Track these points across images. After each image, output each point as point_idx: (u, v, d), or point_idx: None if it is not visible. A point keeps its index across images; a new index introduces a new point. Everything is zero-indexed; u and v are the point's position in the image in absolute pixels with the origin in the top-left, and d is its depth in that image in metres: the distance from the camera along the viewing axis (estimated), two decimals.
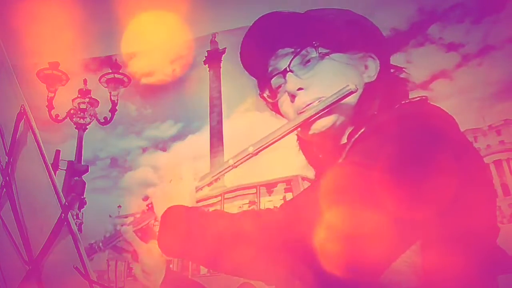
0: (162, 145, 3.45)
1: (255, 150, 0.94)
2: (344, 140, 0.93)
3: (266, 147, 0.95)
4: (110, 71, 3.48)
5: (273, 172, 2.99)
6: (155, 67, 3.40)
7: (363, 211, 0.71)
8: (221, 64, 3.45)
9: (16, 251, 0.92)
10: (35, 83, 3.30)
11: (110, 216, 3.27)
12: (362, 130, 0.88)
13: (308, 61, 0.95)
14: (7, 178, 0.95)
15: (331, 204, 0.72)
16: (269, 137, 0.94)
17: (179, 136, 3.42)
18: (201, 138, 3.36)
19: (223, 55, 3.41)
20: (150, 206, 1.00)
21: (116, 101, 3.48)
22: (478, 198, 0.80)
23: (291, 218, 0.77)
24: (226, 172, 0.98)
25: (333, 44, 0.95)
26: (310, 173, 1.05)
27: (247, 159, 0.95)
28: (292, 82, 0.94)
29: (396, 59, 1.05)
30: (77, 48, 3.09)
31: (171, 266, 1.08)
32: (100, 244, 1.02)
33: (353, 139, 0.89)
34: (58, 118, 3.45)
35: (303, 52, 0.95)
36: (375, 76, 0.97)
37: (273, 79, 0.98)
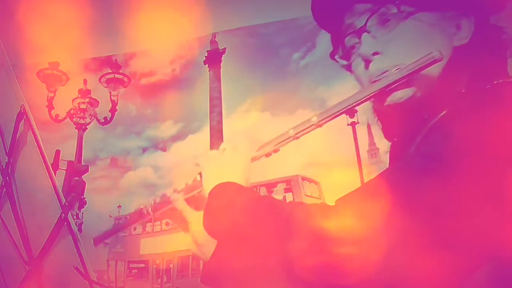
0: (162, 145, 3.45)
1: (319, 120, 0.83)
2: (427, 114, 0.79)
3: (333, 117, 0.83)
4: (110, 71, 3.48)
5: (273, 172, 2.99)
6: (155, 67, 3.40)
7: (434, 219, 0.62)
8: (221, 64, 3.44)
9: (16, 251, 0.92)
10: (35, 83, 3.30)
11: (110, 216, 3.27)
12: (443, 113, 0.75)
13: (388, 20, 0.80)
14: (7, 178, 0.95)
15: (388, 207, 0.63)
16: (336, 107, 0.82)
17: (179, 136, 3.42)
18: (201, 138, 3.36)
19: (223, 55, 3.41)
20: (201, 174, 0.92)
21: (116, 101, 3.48)
22: None
23: (348, 214, 0.68)
24: (287, 143, 0.88)
25: (419, 1, 0.79)
26: (310, 173, 1.03)
27: (310, 131, 0.85)
28: (367, 44, 0.82)
29: None
30: (77, 48, 3.09)
31: (170, 266, 1.05)
32: (150, 209, 0.96)
33: (431, 123, 0.76)
34: (58, 118, 3.45)
35: (383, 9, 0.80)
36: (468, 38, 0.81)
37: (347, 38, 0.85)
